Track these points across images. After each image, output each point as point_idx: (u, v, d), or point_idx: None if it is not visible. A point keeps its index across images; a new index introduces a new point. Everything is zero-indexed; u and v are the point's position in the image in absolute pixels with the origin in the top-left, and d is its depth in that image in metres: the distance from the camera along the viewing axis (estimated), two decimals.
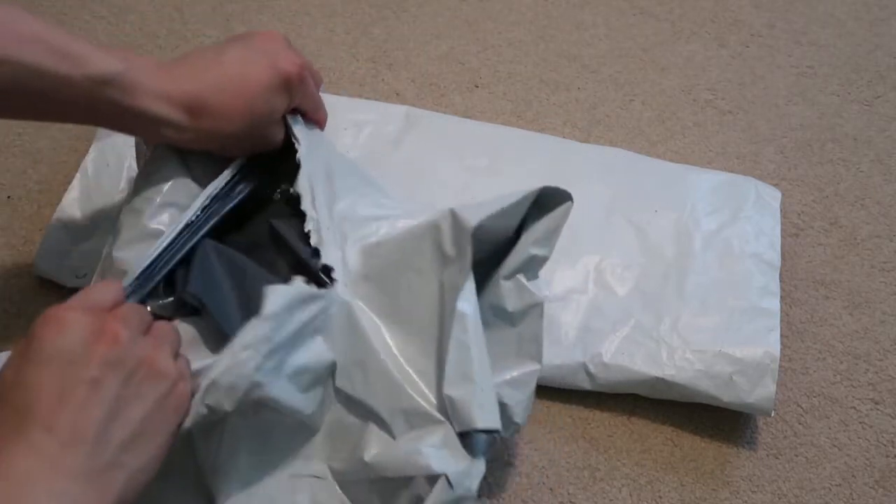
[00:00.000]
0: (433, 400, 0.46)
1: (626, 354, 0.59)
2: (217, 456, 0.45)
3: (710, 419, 0.60)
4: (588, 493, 0.57)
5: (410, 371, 0.47)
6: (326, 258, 0.48)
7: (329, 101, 0.72)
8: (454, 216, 0.46)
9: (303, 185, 0.50)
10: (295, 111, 0.53)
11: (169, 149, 0.51)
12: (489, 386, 0.45)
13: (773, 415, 0.58)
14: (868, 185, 0.74)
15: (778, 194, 0.69)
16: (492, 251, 0.49)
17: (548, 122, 0.76)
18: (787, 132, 0.77)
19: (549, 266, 0.63)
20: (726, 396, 0.57)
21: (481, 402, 0.44)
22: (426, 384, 0.46)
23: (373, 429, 0.46)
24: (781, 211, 0.68)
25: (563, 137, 0.73)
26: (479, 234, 0.46)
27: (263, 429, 0.46)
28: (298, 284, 0.44)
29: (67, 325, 0.37)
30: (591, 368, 0.59)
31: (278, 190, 0.53)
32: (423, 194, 0.67)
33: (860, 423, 0.61)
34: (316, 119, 0.55)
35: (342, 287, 0.47)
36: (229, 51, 0.49)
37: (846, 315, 0.66)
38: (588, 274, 0.63)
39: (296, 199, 0.50)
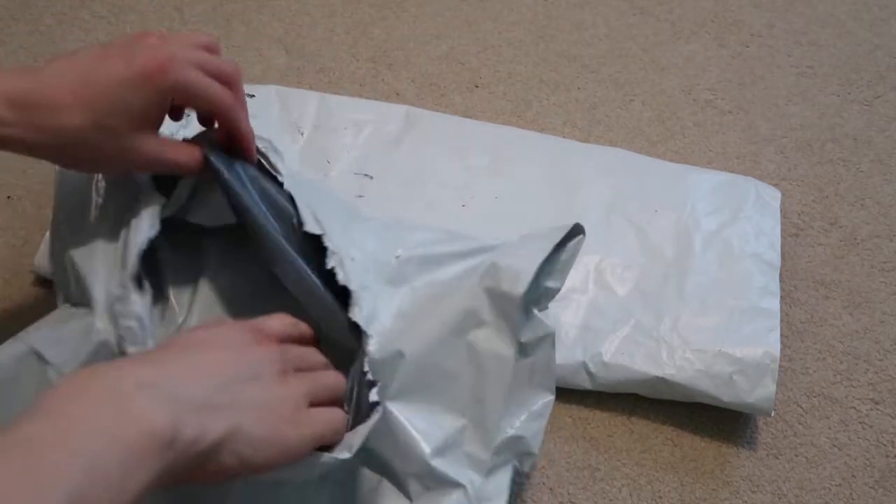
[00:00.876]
0: (452, 459, 0.46)
1: (626, 354, 0.59)
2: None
3: (710, 419, 0.60)
4: (588, 493, 0.57)
5: (433, 427, 0.46)
6: (362, 307, 0.46)
7: (329, 100, 0.72)
8: (496, 278, 0.46)
9: (307, 218, 0.47)
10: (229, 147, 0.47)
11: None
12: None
13: (773, 415, 0.58)
14: (868, 185, 0.74)
15: (778, 194, 0.69)
16: None
17: (548, 122, 0.76)
18: (787, 132, 0.77)
19: None
20: (726, 396, 0.57)
21: (532, 439, 0.48)
22: (447, 442, 0.46)
23: (386, 486, 0.46)
24: (781, 211, 0.68)
25: (563, 137, 0.73)
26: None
27: (271, 484, 0.45)
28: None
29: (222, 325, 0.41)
30: (592, 368, 0.59)
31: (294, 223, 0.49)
32: (423, 194, 0.67)
33: (860, 423, 0.61)
34: (231, 129, 0.46)
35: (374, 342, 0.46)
36: (84, 49, 0.44)
37: (846, 315, 0.66)
38: (588, 274, 0.63)
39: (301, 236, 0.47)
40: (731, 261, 0.63)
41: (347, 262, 0.46)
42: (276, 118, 0.70)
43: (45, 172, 0.69)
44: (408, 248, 0.50)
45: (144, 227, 0.45)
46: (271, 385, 0.39)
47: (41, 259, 0.62)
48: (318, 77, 0.78)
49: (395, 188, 0.67)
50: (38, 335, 0.45)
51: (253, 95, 0.70)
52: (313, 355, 0.44)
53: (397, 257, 0.49)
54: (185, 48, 0.44)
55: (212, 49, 0.46)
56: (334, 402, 0.43)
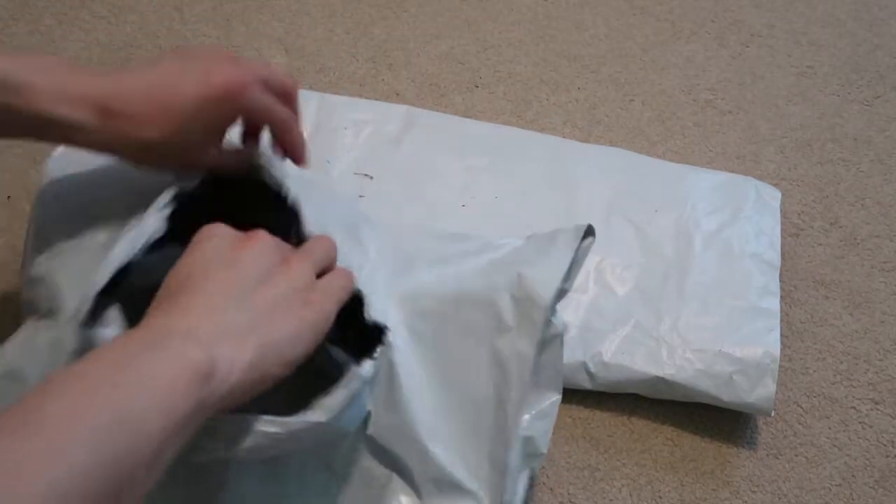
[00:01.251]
0: (465, 466, 0.46)
1: (626, 354, 0.59)
2: (224, 495, 0.44)
3: (710, 419, 0.60)
4: (588, 493, 0.57)
5: (447, 431, 0.46)
6: (374, 308, 0.45)
7: (329, 100, 0.72)
8: (522, 286, 0.47)
9: (311, 229, 0.47)
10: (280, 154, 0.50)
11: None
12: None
13: (773, 415, 0.58)
14: (868, 185, 0.74)
15: (778, 194, 0.69)
16: None
17: (548, 122, 0.76)
18: (787, 132, 0.77)
19: None
20: (726, 396, 0.57)
21: (541, 439, 0.48)
22: (460, 445, 0.46)
23: (398, 483, 0.46)
24: (781, 211, 0.68)
25: (563, 137, 0.73)
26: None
27: (274, 470, 0.45)
28: (370, 366, 0.43)
29: (217, 231, 0.42)
30: (592, 368, 0.59)
31: (295, 231, 0.49)
32: (423, 194, 0.67)
33: (860, 423, 0.61)
34: (287, 142, 0.50)
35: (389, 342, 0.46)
36: (162, 61, 0.46)
37: (846, 315, 0.66)
38: (588, 273, 0.63)
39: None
40: (731, 261, 0.63)
41: (355, 271, 0.46)
42: None
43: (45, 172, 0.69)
44: (414, 251, 0.50)
45: (142, 232, 0.45)
46: (279, 277, 0.41)
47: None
48: (318, 77, 0.78)
49: (395, 188, 0.67)
50: (10, 353, 0.46)
51: None
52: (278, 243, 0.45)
53: (406, 262, 0.49)
54: (253, 66, 0.47)
55: (274, 68, 0.50)
56: (333, 263, 0.45)
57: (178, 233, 0.46)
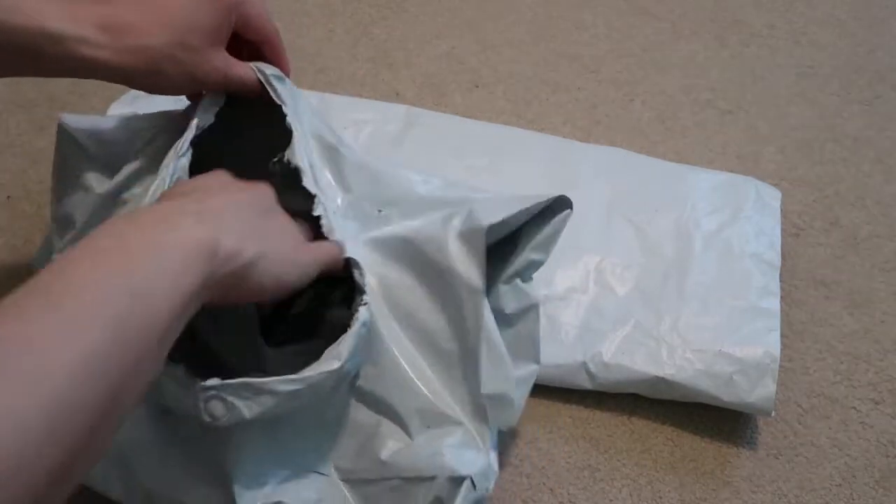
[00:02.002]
0: (450, 400, 0.46)
1: (626, 354, 0.59)
2: (228, 450, 0.44)
3: (710, 419, 0.60)
4: (588, 493, 0.57)
5: (427, 370, 0.47)
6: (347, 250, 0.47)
7: (329, 100, 0.72)
8: (469, 219, 0.47)
9: (300, 156, 0.49)
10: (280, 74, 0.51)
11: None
12: (514, 386, 0.47)
13: (773, 415, 0.58)
14: (868, 185, 0.74)
15: (778, 194, 0.69)
16: (489, 250, 0.50)
17: (548, 122, 0.76)
18: (787, 132, 0.77)
19: (550, 266, 0.63)
20: (726, 396, 0.57)
21: (517, 402, 0.47)
22: (442, 384, 0.47)
23: (387, 426, 0.46)
24: (781, 211, 0.68)
25: (564, 137, 0.73)
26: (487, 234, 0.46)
27: (273, 424, 0.45)
28: (362, 325, 0.44)
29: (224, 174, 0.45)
30: (592, 368, 0.59)
31: (274, 160, 0.51)
32: None
33: (860, 423, 0.61)
34: (274, 57, 0.53)
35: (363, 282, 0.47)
36: None
37: (846, 315, 0.66)
38: (588, 274, 0.63)
39: (293, 172, 0.49)
40: (732, 261, 0.63)
41: (331, 210, 0.48)
42: None
43: (44, 172, 0.69)
44: (392, 200, 0.51)
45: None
46: (282, 218, 0.45)
47: (41, 259, 0.62)
48: (318, 77, 0.78)
49: None
50: None
51: None
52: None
53: (380, 211, 0.50)
54: None
55: None
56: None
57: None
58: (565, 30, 0.83)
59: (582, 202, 0.67)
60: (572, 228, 0.65)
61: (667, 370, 0.58)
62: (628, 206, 0.67)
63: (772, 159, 0.75)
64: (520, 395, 0.49)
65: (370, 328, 0.45)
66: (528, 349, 0.50)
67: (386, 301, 0.48)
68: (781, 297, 0.63)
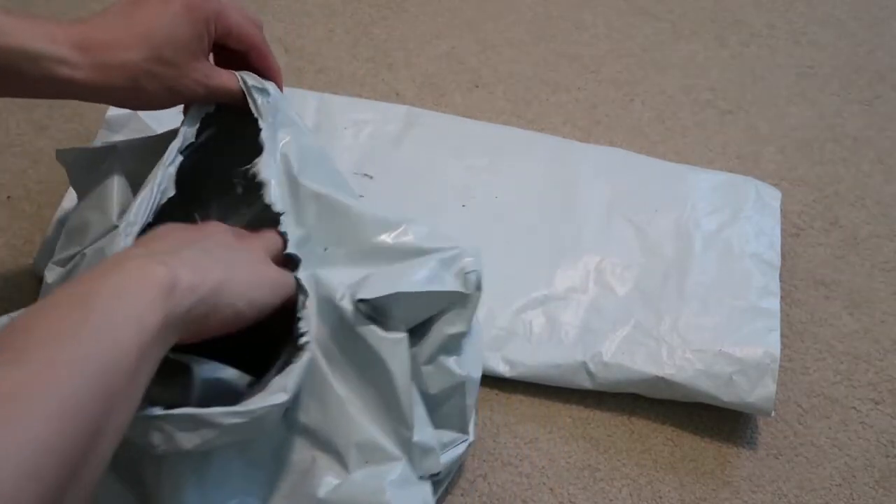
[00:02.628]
0: (388, 436, 0.46)
1: (626, 354, 0.59)
2: (160, 490, 0.43)
3: (711, 419, 0.60)
4: (588, 493, 0.57)
5: (365, 404, 0.46)
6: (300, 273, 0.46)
7: (329, 101, 0.72)
8: (362, 284, 0.46)
9: (266, 172, 0.48)
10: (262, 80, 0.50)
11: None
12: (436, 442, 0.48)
13: (773, 415, 0.58)
14: (868, 185, 0.74)
15: (778, 194, 0.69)
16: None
17: (548, 122, 0.76)
18: (787, 132, 0.77)
19: (550, 266, 0.63)
20: (726, 396, 0.57)
21: (437, 450, 0.47)
22: (380, 420, 0.46)
23: (323, 461, 0.45)
24: (781, 211, 0.68)
25: (564, 137, 0.73)
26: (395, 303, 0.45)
27: (203, 460, 0.44)
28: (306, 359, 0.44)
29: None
30: (592, 368, 0.59)
31: (242, 169, 0.50)
32: (423, 194, 0.67)
33: (860, 423, 0.61)
34: (261, 64, 0.51)
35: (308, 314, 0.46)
36: (115, 3, 0.47)
37: (846, 315, 0.66)
38: (588, 273, 0.63)
39: (256, 186, 0.48)
40: (731, 261, 0.63)
41: (291, 232, 0.48)
42: None
43: (44, 172, 0.69)
44: (342, 241, 0.49)
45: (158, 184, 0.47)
46: (238, 245, 0.45)
47: (41, 259, 0.62)
48: (318, 77, 0.78)
49: (395, 188, 0.67)
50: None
51: None
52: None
53: (325, 249, 0.49)
54: None
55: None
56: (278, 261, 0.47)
57: (185, 185, 0.48)
58: (565, 30, 0.83)
59: (582, 202, 0.67)
60: (573, 228, 0.66)
61: (667, 370, 0.58)
62: (628, 206, 0.67)
63: (772, 159, 0.75)
64: (448, 457, 0.49)
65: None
66: (456, 422, 0.50)
67: (324, 337, 0.47)
68: (781, 297, 0.63)
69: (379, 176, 0.68)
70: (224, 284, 0.39)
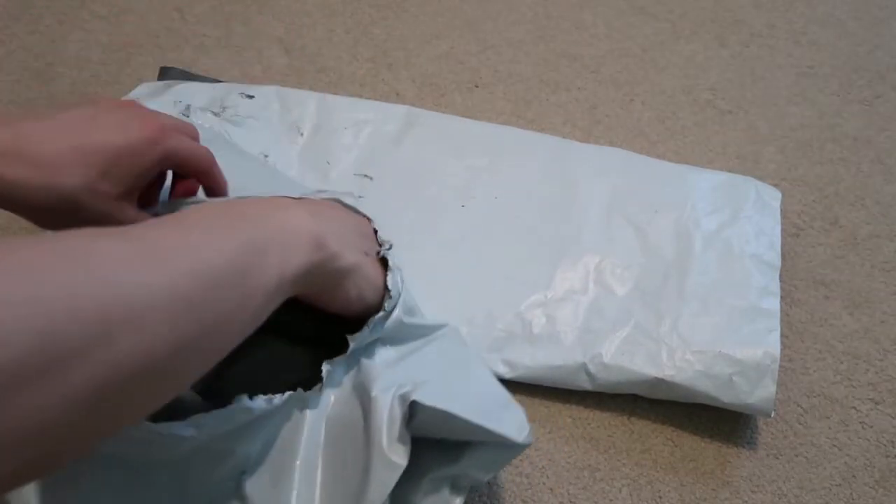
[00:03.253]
0: None
1: (626, 355, 0.59)
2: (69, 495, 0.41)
3: (711, 419, 0.60)
4: (588, 493, 0.57)
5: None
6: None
7: (328, 101, 0.72)
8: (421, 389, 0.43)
9: None
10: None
11: None
12: None
13: (773, 416, 0.58)
14: (868, 185, 0.74)
15: (778, 194, 0.69)
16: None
17: (548, 122, 0.76)
18: (787, 132, 0.77)
19: (550, 266, 0.63)
20: (726, 397, 0.57)
21: None
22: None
23: None
24: (781, 211, 0.68)
25: (564, 137, 0.73)
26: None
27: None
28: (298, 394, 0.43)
29: None
30: (591, 369, 0.59)
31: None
32: (423, 194, 0.67)
33: (860, 423, 0.61)
34: (212, 186, 0.48)
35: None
36: (68, 109, 0.43)
37: (846, 315, 0.66)
38: (588, 274, 0.63)
39: None
40: (731, 261, 0.63)
41: None
42: (276, 119, 0.70)
43: None
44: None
45: None
46: (374, 243, 0.47)
47: None
48: (318, 77, 0.78)
49: (395, 188, 0.67)
50: None
51: (252, 96, 0.70)
52: None
53: None
54: (164, 115, 0.46)
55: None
56: None
57: None
58: (565, 30, 0.83)
59: (582, 202, 0.67)
60: (572, 229, 0.66)
61: (666, 371, 0.58)
62: (628, 207, 0.67)
63: (772, 159, 0.75)
64: None
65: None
66: None
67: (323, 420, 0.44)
68: (781, 297, 0.63)
69: (379, 176, 0.68)
70: (354, 269, 0.42)
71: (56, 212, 0.41)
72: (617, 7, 0.86)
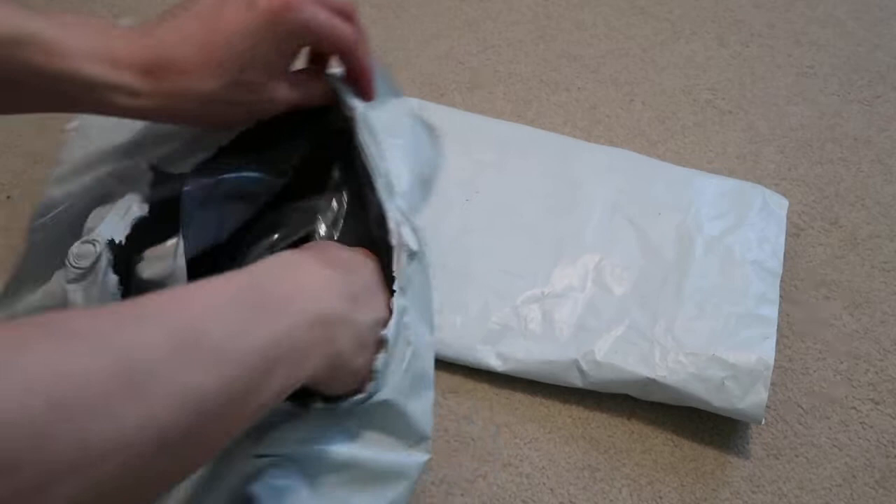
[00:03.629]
0: None
1: (619, 354, 0.59)
2: None
3: (711, 419, 0.60)
4: (588, 493, 0.57)
5: None
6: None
7: None
8: None
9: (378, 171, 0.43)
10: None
11: None
12: None
13: (763, 422, 0.58)
14: (868, 185, 0.74)
15: (785, 202, 0.68)
16: None
17: (548, 122, 0.76)
18: (787, 132, 0.77)
19: (549, 263, 0.63)
20: (717, 401, 0.57)
21: None
22: None
23: None
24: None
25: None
26: None
27: None
28: None
29: None
30: (584, 366, 0.58)
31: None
32: (428, 187, 0.67)
33: (860, 423, 0.61)
34: (352, 64, 0.45)
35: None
36: (199, 5, 0.41)
37: (846, 315, 0.66)
38: (587, 273, 0.63)
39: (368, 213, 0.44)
40: (732, 266, 0.63)
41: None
42: None
43: (45, 172, 0.69)
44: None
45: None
46: (376, 296, 0.42)
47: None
48: None
49: None
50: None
51: None
52: None
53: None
54: None
55: None
56: None
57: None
58: (565, 30, 0.83)
59: (585, 201, 0.67)
60: (574, 227, 0.66)
61: (658, 372, 0.58)
62: (631, 208, 0.67)
63: (772, 159, 0.75)
64: None
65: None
66: None
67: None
68: (781, 297, 0.63)
69: None
70: (359, 352, 0.38)
71: (211, 112, 0.41)
72: (617, 7, 0.86)
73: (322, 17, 0.42)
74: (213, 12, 0.40)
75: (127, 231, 0.41)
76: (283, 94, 0.43)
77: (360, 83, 0.46)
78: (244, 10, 0.40)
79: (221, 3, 0.40)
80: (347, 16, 0.45)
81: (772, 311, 0.61)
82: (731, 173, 0.72)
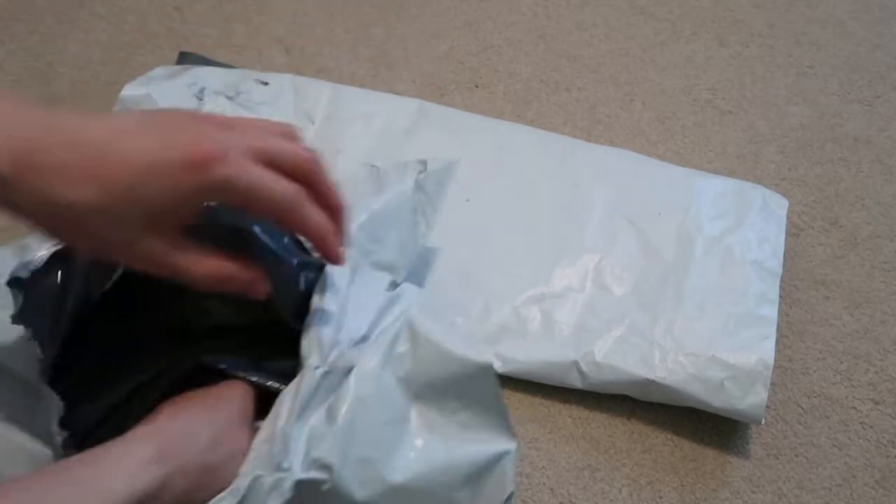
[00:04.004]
0: None
1: (618, 354, 0.59)
2: None
3: (711, 420, 0.60)
4: (588, 493, 0.57)
5: None
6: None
7: (341, 91, 0.72)
8: None
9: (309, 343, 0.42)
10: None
11: None
12: None
13: (763, 423, 0.58)
14: (868, 185, 0.74)
15: (785, 203, 0.68)
16: None
17: (548, 122, 0.76)
18: (787, 132, 0.77)
19: (549, 263, 0.63)
20: (717, 402, 0.57)
21: None
22: None
23: None
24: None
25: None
26: None
27: None
28: None
29: None
30: (583, 367, 0.58)
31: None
32: None
33: (860, 423, 0.61)
34: (308, 235, 0.37)
35: None
36: (123, 114, 0.36)
37: (846, 315, 0.66)
38: (587, 273, 0.63)
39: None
40: (732, 267, 0.63)
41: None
42: (288, 107, 0.70)
43: None
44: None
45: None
46: (236, 439, 0.43)
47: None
48: (318, 77, 0.78)
49: None
50: None
51: (267, 83, 0.71)
52: None
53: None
54: (250, 135, 0.35)
55: (289, 136, 0.37)
56: None
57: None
58: (565, 30, 0.83)
59: (585, 202, 0.67)
60: (574, 227, 0.66)
61: (658, 373, 0.57)
62: (631, 208, 0.67)
63: (772, 159, 0.75)
64: None
65: None
66: None
67: None
68: (781, 297, 0.63)
69: (386, 166, 0.68)
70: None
71: (66, 227, 0.34)
72: (617, 7, 0.86)
73: (253, 176, 0.34)
74: (124, 134, 0.33)
75: None
76: (157, 252, 0.35)
77: (320, 247, 0.38)
78: (157, 145, 0.33)
79: (138, 129, 0.34)
80: (307, 176, 0.36)
81: (772, 311, 0.61)
82: (731, 173, 0.72)
